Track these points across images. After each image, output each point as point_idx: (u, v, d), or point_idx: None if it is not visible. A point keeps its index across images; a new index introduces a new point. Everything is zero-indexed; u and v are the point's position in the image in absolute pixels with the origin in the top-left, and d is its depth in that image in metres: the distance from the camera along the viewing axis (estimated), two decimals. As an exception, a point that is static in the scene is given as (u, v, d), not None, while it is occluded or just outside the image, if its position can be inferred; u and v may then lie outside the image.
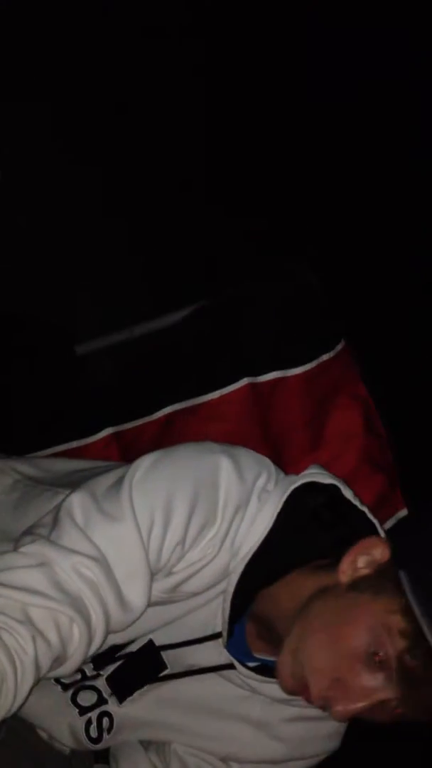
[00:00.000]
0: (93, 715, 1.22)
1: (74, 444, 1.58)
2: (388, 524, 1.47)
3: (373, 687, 1.03)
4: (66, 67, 2.20)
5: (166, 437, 1.56)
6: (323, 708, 1.06)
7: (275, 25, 2.49)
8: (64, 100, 2.21)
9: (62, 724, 1.23)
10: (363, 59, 2.53)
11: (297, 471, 1.20)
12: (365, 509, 1.15)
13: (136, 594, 1.04)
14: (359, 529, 1.13)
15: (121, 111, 2.27)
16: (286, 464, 1.48)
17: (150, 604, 1.06)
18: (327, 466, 1.23)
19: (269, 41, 2.49)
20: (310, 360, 1.57)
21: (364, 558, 1.08)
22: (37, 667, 0.97)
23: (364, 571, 1.07)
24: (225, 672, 1.16)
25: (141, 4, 2.30)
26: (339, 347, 1.60)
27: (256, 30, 2.48)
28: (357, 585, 1.06)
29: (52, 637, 0.98)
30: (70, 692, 1.22)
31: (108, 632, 1.04)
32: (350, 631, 1.03)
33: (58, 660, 1.01)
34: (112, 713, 1.21)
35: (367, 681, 1.03)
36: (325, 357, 1.58)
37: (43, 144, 2.15)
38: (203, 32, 2.43)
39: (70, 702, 1.22)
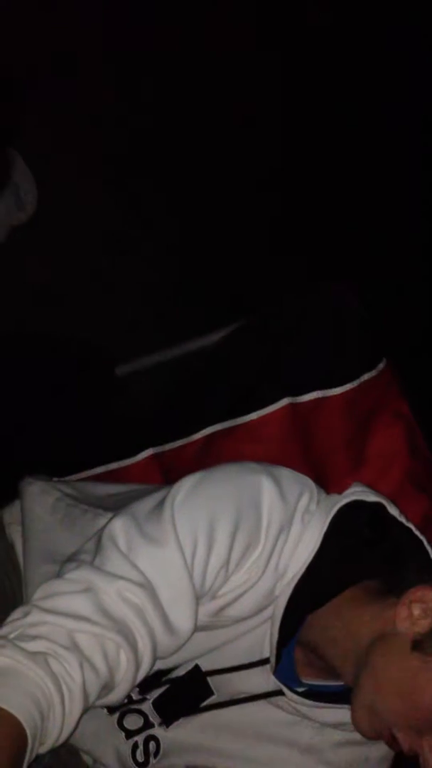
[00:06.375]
0: (140, 738, 1.21)
1: (115, 465, 1.58)
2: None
3: None
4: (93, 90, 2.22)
5: (206, 458, 1.55)
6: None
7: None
8: (99, 127, 2.23)
9: (108, 747, 1.22)
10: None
11: (339, 491, 1.19)
12: (411, 526, 1.14)
13: (182, 618, 1.03)
14: (406, 547, 1.12)
15: (160, 139, 2.28)
16: (327, 485, 1.47)
17: (196, 629, 1.06)
18: (369, 486, 1.22)
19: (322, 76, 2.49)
20: (351, 379, 1.56)
21: (419, 606, 1.06)
22: (85, 694, 0.97)
23: (424, 623, 1.06)
24: (273, 698, 1.15)
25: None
26: (381, 366, 1.58)
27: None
28: (420, 644, 1.05)
29: (100, 663, 0.98)
30: (116, 716, 1.21)
31: (155, 658, 1.03)
32: (427, 698, 1.03)
33: (106, 687, 1.00)
34: (159, 737, 1.20)
35: None
36: (366, 376, 1.57)
37: (79, 167, 2.16)
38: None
39: (116, 725, 1.21)
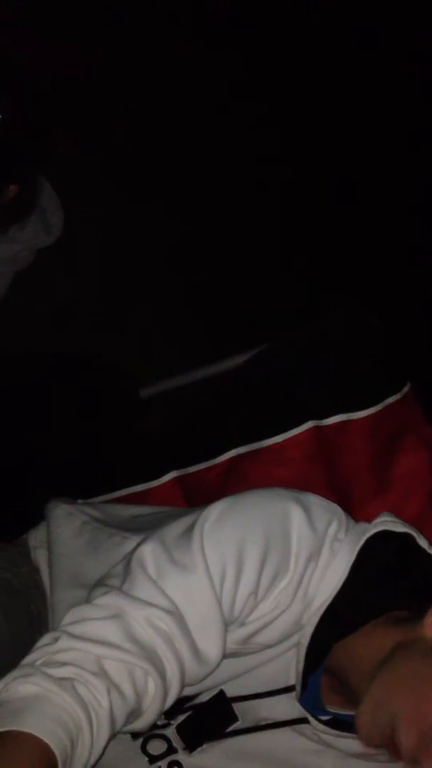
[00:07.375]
0: (163, 764, 1.21)
1: (138, 488, 1.59)
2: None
3: None
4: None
5: (230, 481, 1.55)
6: (412, 764, 1.02)
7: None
8: (122, 145, 2.25)
9: None
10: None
11: (364, 515, 1.20)
12: None
13: (210, 646, 1.03)
14: None
15: (178, 158, 2.30)
16: (352, 508, 1.47)
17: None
18: (394, 510, 1.22)
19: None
20: (375, 403, 1.56)
21: None
22: (113, 720, 0.97)
23: None
24: (298, 726, 1.15)
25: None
26: (405, 389, 1.59)
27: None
28: None
29: (128, 690, 0.98)
30: (140, 741, 1.21)
31: (183, 685, 1.03)
32: None
33: (134, 714, 1.01)
34: (183, 763, 1.20)
35: None
36: (390, 399, 1.57)
37: (103, 189, 2.18)
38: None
39: (139, 750, 1.21)
